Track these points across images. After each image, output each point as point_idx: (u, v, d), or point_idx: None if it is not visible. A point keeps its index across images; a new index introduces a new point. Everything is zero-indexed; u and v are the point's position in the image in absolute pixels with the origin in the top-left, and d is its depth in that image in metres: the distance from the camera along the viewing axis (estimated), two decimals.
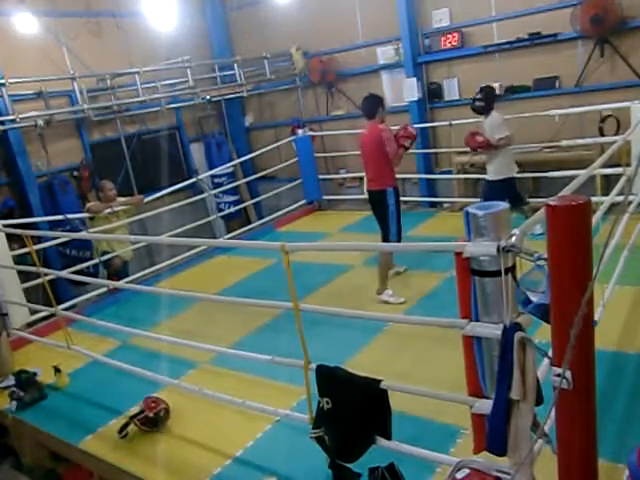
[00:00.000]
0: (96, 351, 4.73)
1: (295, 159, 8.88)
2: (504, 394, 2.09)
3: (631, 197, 5.28)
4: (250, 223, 9.55)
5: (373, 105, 5.46)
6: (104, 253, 6.78)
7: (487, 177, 6.16)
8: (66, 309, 5.53)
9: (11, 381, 4.61)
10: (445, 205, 8.27)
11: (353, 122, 9.52)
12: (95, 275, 7.08)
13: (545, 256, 1.98)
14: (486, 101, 5.95)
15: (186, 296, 5.42)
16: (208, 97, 9.29)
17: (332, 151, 9.64)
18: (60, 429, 4.03)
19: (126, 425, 3.74)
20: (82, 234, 6.39)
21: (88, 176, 8.20)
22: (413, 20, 8.35)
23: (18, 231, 4.95)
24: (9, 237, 5.57)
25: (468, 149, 8.05)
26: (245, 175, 9.68)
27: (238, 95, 9.68)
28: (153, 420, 3.75)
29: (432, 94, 8.63)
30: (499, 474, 2.21)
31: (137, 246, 7.35)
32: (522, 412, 2.10)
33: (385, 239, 5.44)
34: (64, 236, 6.16)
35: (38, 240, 5.87)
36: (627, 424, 3.06)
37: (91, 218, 6.66)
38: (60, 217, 6.58)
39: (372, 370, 2.76)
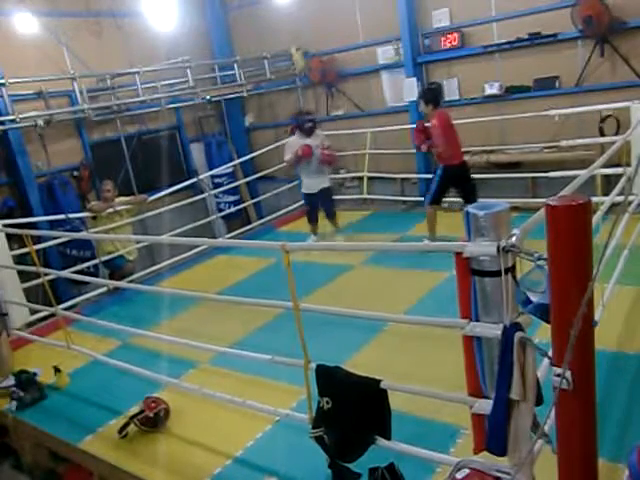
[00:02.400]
0: (96, 351, 4.72)
1: None
2: (504, 394, 2.09)
3: (631, 197, 5.29)
4: (250, 223, 9.55)
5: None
6: (109, 253, 6.77)
7: (325, 185, 7.32)
8: (66, 309, 5.52)
9: (11, 381, 4.60)
10: (445, 205, 8.25)
11: (353, 122, 9.53)
12: (95, 275, 7.08)
13: (545, 256, 1.98)
14: (315, 122, 7.38)
15: (186, 296, 5.42)
16: (208, 97, 9.29)
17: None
18: (60, 429, 4.03)
19: (126, 425, 3.74)
20: (82, 234, 6.39)
21: (88, 176, 8.21)
22: (413, 20, 8.35)
23: (18, 231, 4.95)
24: (9, 237, 5.58)
25: (468, 149, 8.09)
26: (245, 175, 9.67)
27: (238, 95, 9.68)
28: (153, 420, 3.75)
29: None
30: (499, 474, 2.21)
31: (138, 246, 7.35)
32: (522, 412, 2.10)
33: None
34: (64, 236, 6.16)
35: (38, 240, 5.86)
36: (627, 424, 3.06)
37: (93, 218, 6.66)
38: (60, 217, 6.58)
39: (372, 370, 2.76)
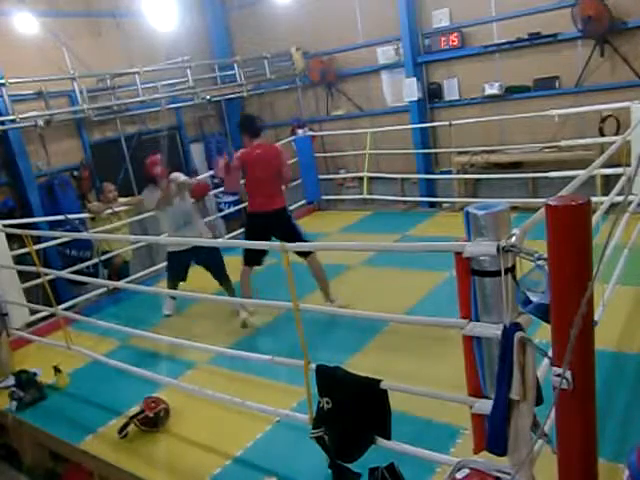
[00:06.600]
0: (96, 351, 4.72)
1: (295, 159, 8.88)
2: (504, 394, 2.09)
3: (631, 197, 5.28)
4: None
5: (258, 124, 5.42)
6: (104, 253, 6.80)
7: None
8: (66, 309, 5.52)
9: (11, 381, 4.60)
10: (445, 205, 8.27)
11: (353, 122, 9.54)
12: (95, 275, 7.09)
13: (545, 256, 1.98)
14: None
15: (186, 296, 5.42)
16: (208, 97, 9.27)
17: (332, 151, 9.64)
18: (60, 429, 4.03)
19: (126, 425, 3.74)
20: (82, 234, 6.39)
21: (88, 176, 8.19)
22: (413, 20, 8.35)
23: (18, 231, 4.95)
24: (9, 237, 5.57)
25: (468, 149, 8.10)
26: None
27: (238, 95, 9.67)
28: (153, 420, 3.75)
29: (432, 94, 8.63)
30: (499, 474, 2.21)
31: (137, 246, 7.35)
32: (522, 412, 2.11)
33: (307, 254, 5.06)
34: (64, 236, 6.16)
35: (38, 240, 5.86)
36: (627, 424, 3.06)
37: (92, 218, 6.69)
38: (60, 217, 6.58)
39: (372, 370, 2.76)
